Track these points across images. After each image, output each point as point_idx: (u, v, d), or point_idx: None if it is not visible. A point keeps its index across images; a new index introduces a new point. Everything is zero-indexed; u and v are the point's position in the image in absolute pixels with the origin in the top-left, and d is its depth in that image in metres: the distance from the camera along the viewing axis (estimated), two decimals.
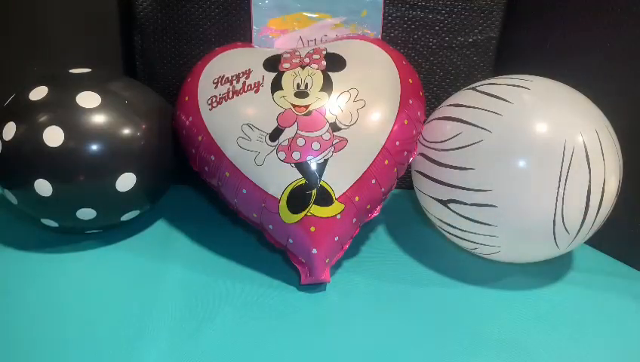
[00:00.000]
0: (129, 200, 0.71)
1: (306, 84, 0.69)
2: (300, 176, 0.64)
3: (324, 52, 0.73)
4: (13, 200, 0.69)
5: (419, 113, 0.72)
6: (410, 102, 0.70)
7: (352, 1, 0.82)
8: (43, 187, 0.65)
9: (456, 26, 0.85)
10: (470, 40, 0.86)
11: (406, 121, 0.69)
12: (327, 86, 0.69)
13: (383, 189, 0.68)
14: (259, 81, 0.70)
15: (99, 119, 0.66)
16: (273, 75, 0.71)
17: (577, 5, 0.77)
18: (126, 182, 0.68)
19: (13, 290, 0.64)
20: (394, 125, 0.68)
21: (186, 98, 0.73)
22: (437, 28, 0.85)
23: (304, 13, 0.83)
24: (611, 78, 0.74)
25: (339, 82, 0.69)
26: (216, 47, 0.78)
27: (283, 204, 0.64)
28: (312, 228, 0.64)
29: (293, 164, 0.65)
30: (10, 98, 0.69)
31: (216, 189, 0.71)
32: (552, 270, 0.72)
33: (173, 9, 0.84)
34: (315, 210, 0.64)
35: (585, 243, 0.70)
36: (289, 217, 0.65)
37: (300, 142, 0.65)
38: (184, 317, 0.61)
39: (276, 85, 0.70)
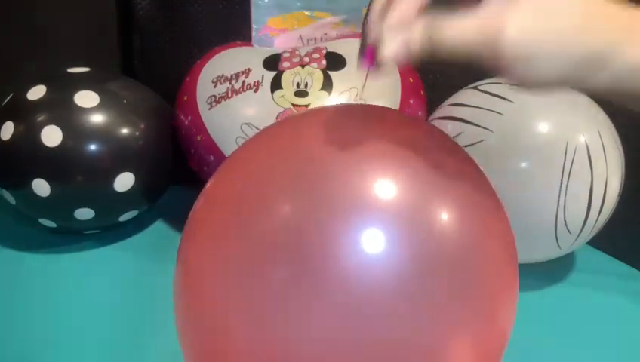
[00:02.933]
0: (127, 200, 0.70)
1: (306, 83, 0.69)
2: None
3: (324, 51, 0.73)
4: (11, 200, 0.68)
5: (419, 113, 0.72)
6: (411, 101, 0.70)
7: None
8: (41, 187, 0.65)
9: None
10: None
11: None
12: (327, 85, 0.69)
13: None
14: (258, 81, 0.70)
15: (97, 119, 0.66)
16: (273, 74, 0.70)
17: None
18: (124, 181, 0.68)
19: (12, 291, 0.64)
20: None
21: (185, 97, 0.73)
22: None
23: (304, 12, 0.82)
24: None
25: (339, 81, 0.69)
26: (216, 47, 0.78)
27: None
28: None
29: None
30: (9, 97, 0.68)
31: None
32: (552, 270, 0.72)
33: (173, 8, 0.84)
34: None
35: (585, 243, 0.70)
36: None
37: None
38: None
39: (276, 84, 0.69)
